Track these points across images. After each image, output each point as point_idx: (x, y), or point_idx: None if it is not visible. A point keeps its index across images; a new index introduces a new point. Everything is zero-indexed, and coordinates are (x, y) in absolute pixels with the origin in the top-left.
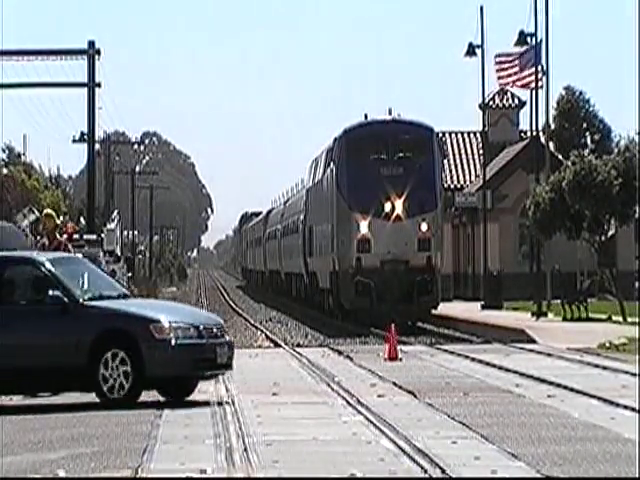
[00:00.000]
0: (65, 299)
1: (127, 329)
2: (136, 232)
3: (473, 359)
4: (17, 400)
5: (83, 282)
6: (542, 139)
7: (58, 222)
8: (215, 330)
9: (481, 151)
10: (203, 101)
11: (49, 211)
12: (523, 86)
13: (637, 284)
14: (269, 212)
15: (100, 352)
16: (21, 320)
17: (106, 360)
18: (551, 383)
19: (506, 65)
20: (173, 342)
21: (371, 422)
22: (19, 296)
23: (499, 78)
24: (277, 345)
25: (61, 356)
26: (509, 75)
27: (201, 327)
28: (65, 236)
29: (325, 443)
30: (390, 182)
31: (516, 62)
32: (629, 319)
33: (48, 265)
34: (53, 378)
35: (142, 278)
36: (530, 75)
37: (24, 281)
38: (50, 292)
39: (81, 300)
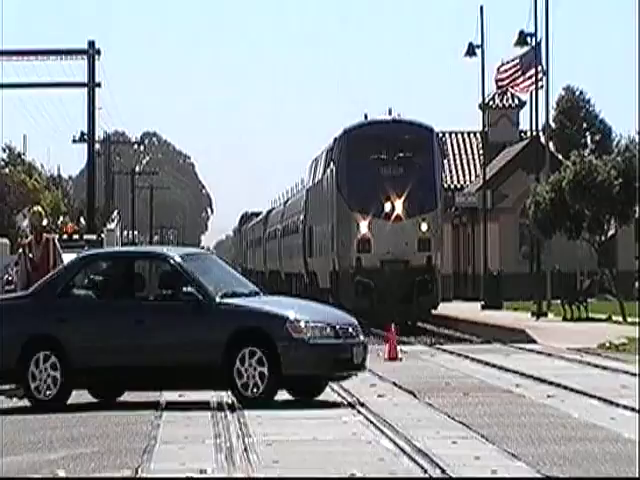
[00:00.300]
0: (199, 296)
1: (263, 327)
2: (136, 232)
3: (473, 359)
4: (16, 400)
5: (215, 278)
6: (542, 139)
7: (46, 221)
8: (350, 330)
9: (481, 151)
10: (203, 101)
11: (37, 209)
12: (523, 90)
13: (637, 284)
14: (269, 212)
15: (236, 351)
16: (154, 316)
17: (242, 359)
18: (551, 383)
19: (507, 73)
20: (310, 341)
21: (371, 422)
22: (150, 292)
23: (499, 87)
24: None
25: (196, 354)
26: (508, 84)
27: (337, 327)
28: (65, 236)
29: (325, 443)
30: (390, 182)
31: (517, 66)
32: (629, 319)
33: (179, 260)
34: (188, 375)
35: None
36: (531, 77)
37: (155, 277)
38: (184, 289)
39: (216, 298)
